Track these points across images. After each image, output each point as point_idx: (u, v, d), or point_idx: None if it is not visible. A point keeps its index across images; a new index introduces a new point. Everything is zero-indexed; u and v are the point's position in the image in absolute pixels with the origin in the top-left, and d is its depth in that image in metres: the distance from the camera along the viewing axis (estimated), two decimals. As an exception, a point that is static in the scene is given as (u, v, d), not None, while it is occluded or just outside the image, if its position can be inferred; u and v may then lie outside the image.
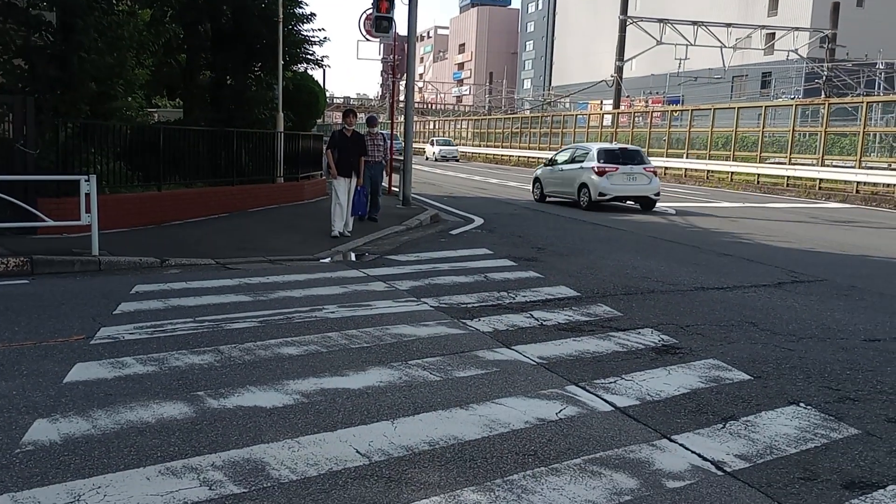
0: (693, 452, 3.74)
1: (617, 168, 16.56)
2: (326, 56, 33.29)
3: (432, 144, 48.69)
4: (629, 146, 18.79)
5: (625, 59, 39.42)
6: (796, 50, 39.13)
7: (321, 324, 6.05)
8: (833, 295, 7.76)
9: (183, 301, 6.75)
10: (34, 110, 9.61)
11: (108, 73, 10.99)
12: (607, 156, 16.82)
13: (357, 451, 3.63)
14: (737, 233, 13.28)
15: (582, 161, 17.30)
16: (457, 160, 45.58)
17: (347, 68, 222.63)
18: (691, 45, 36.70)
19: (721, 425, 4.09)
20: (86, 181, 8.67)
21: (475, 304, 6.90)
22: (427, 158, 46.98)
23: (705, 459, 3.66)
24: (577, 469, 3.52)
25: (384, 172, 13.65)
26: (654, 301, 7.23)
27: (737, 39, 38.67)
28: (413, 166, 15.62)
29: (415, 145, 55.36)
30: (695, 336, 5.94)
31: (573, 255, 10.01)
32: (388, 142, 13.61)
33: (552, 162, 19.05)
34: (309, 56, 18.30)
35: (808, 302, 7.38)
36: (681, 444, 3.83)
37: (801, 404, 4.46)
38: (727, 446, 3.82)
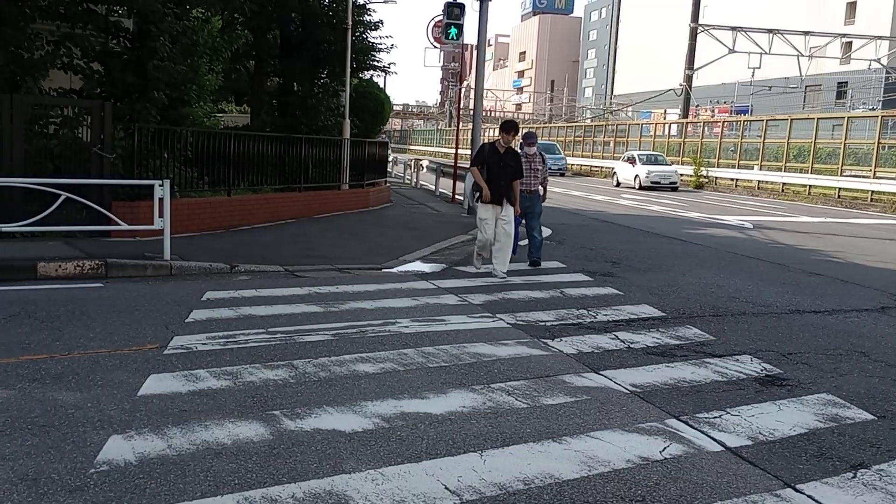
0: (826, 508, 3.30)
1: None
2: (393, 63, 33.18)
3: (633, 163, 30.01)
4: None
5: (695, 67, 38.39)
6: (878, 59, 37.49)
7: (395, 339, 5.80)
8: (947, 323, 7.10)
9: (254, 310, 6.59)
10: (111, 115, 9.68)
11: (181, 79, 11.04)
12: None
13: (446, 488, 3.33)
14: (824, 250, 12.55)
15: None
16: (675, 188, 28.84)
17: (406, 75, 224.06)
18: (766, 53, 35.50)
19: (851, 474, 3.64)
20: (160, 186, 8.67)
21: (554, 323, 6.56)
22: (618, 184, 30.67)
23: (842, 517, 3.22)
24: (695, 521, 3.14)
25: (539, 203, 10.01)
26: (747, 324, 6.74)
27: (811, 48, 37.27)
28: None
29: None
30: (800, 366, 5.45)
31: (651, 271, 9.55)
32: (546, 164, 10.08)
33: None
34: (376, 63, 18.26)
35: (920, 330, 6.76)
36: (809, 496, 3.39)
37: (941, 453, 3.95)
38: (863, 500, 3.37)
